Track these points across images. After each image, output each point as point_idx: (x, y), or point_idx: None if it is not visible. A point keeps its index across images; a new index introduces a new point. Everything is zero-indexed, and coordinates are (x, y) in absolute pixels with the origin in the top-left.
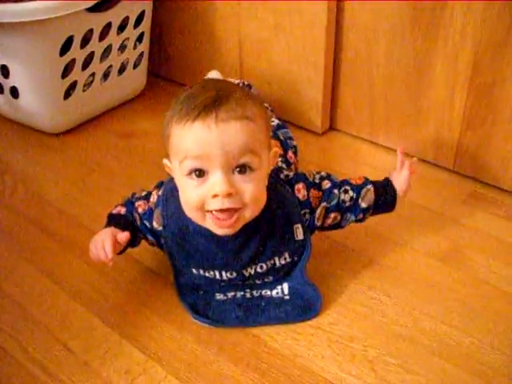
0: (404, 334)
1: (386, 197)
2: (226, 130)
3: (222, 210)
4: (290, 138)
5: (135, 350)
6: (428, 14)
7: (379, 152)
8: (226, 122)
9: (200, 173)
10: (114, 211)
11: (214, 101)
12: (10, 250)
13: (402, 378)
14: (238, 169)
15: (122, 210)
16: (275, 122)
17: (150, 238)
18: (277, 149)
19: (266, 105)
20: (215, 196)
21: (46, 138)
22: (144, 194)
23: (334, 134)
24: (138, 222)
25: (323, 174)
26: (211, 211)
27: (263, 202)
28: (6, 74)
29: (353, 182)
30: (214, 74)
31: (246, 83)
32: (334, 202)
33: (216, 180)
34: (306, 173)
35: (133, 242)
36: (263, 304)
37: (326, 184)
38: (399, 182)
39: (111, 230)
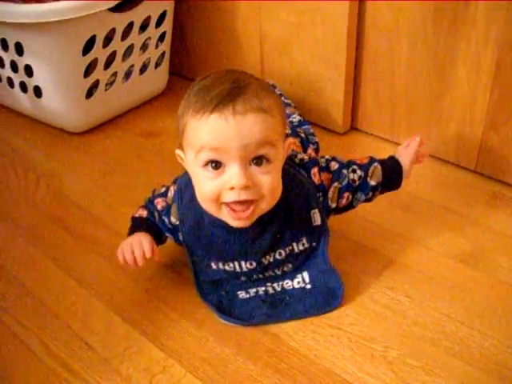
0: (424, 335)
1: (392, 172)
2: (244, 123)
3: (238, 202)
4: (312, 134)
5: (155, 347)
6: (451, 13)
7: None
8: (243, 115)
9: (216, 165)
10: (137, 214)
11: (230, 92)
12: (32, 247)
13: (422, 379)
14: (254, 160)
15: (144, 213)
16: (296, 118)
17: (167, 234)
18: (291, 139)
19: (289, 101)
20: (232, 188)
21: (69, 136)
22: (163, 190)
23: (355, 133)
24: (157, 220)
25: (328, 157)
26: (227, 203)
27: (279, 193)
28: (30, 74)
29: (358, 161)
30: None
31: (270, 84)
32: (345, 182)
33: (233, 172)
34: (317, 158)
35: (158, 240)
36: (287, 298)
37: (334, 165)
38: (405, 155)
39: (148, 235)
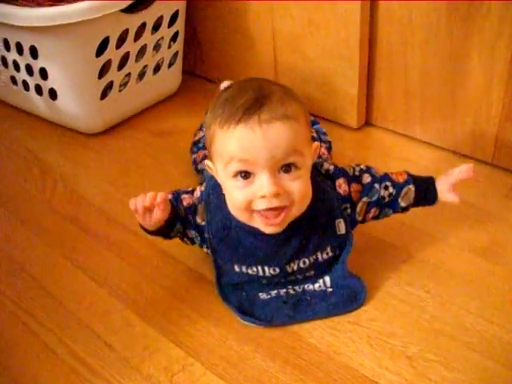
0: (444, 330)
1: (426, 196)
2: (270, 132)
3: (269, 209)
4: (324, 134)
5: (174, 346)
6: (464, 5)
7: (415, 146)
8: (269, 123)
9: (246, 174)
10: None
11: (255, 102)
12: (50, 248)
13: (441, 374)
14: (283, 168)
15: (169, 195)
16: None
17: (192, 232)
18: (317, 143)
19: None
20: (263, 197)
21: (84, 138)
22: (190, 189)
23: (370, 128)
24: (183, 214)
25: (363, 167)
26: (259, 210)
27: (310, 198)
28: (45, 77)
29: (394, 177)
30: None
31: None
32: (374, 198)
33: (263, 181)
34: (345, 167)
35: (170, 228)
36: (309, 298)
37: (367, 178)
38: (445, 184)
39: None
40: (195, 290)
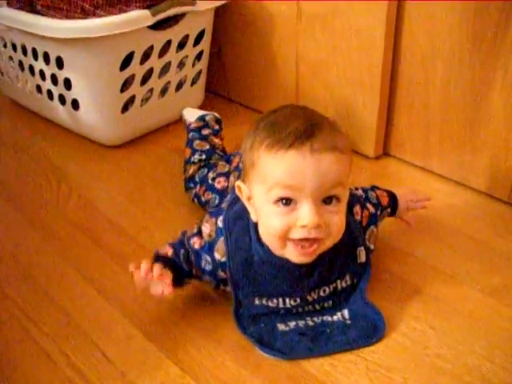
0: (445, 368)
1: (387, 214)
2: (321, 161)
3: (306, 239)
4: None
5: (172, 364)
6: (488, 41)
7: (432, 179)
8: (321, 153)
9: (287, 201)
10: (161, 251)
11: (307, 129)
12: (60, 257)
13: None
14: (324, 199)
15: (170, 252)
16: None
17: (207, 277)
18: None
19: None
20: (304, 226)
21: (103, 150)
22: (195, 230)
23: (387, 159)
24: (193, 258)
25: (362, 193)
26: (295, 240)
27: (343, 231)
28: (69, 87)
29: (381, 201)
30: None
31: None
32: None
33: (306, 211)
34: (357, 194)
35: (176, 283)
36: (328, 331)
37: (371, 208)
38: (404, 205)
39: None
40: (200, 309)
